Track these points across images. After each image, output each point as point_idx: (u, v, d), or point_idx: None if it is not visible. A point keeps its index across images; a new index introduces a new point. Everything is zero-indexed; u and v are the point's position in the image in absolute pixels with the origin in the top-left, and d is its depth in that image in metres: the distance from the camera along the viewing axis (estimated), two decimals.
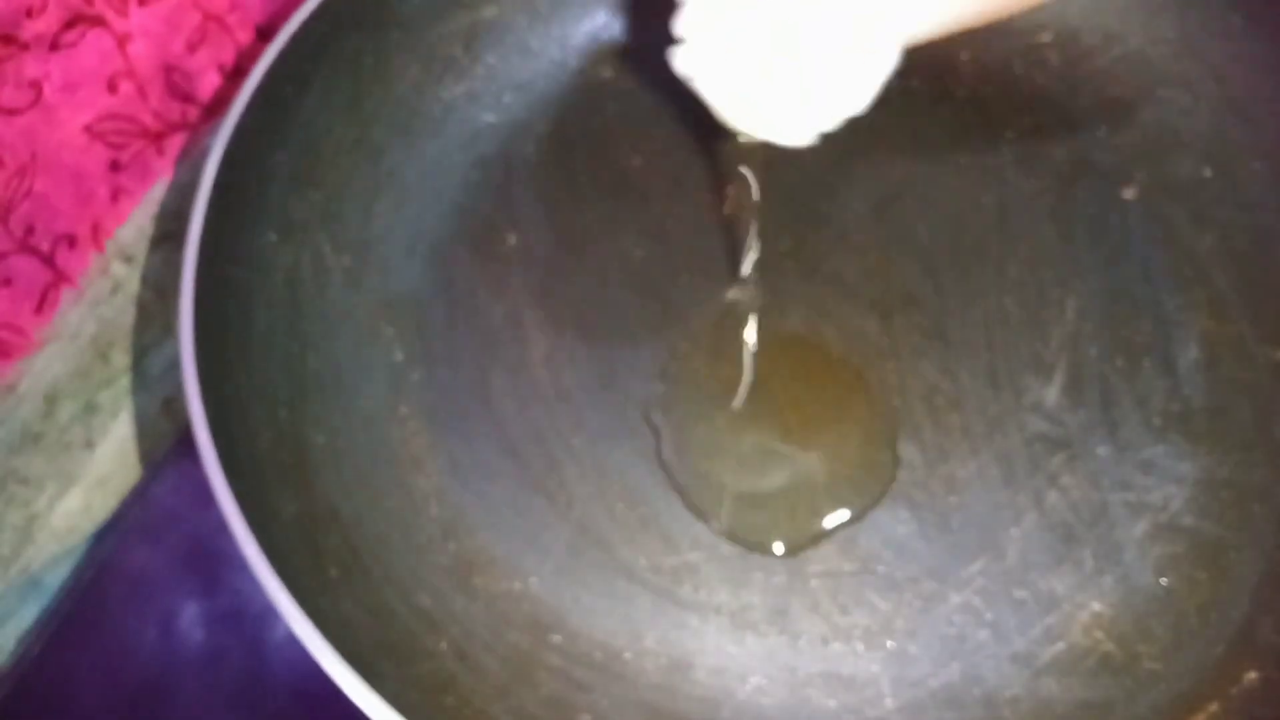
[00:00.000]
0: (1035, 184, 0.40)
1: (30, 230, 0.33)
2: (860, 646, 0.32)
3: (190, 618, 0.38)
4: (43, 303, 0.35)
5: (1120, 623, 0.32)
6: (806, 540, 0.34)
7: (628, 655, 0.32)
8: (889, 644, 0.32)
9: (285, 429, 0.33)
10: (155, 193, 0.38)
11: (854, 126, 0.41)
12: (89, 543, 0.39)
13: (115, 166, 0.36)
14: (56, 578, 0.39)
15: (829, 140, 0.41)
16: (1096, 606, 0.33)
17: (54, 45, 0.32)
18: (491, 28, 0.42)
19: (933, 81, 0.43)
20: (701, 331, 0.38)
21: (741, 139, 0.33)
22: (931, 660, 0.32)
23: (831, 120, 0.31)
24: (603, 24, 0.43)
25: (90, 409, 0.38)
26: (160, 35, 0.36)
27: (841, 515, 0.35)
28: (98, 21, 0.33)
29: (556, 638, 0.33)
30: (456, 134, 0.41)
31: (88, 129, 0.34)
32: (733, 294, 0.38)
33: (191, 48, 0.37)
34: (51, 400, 0.36)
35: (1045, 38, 0.43)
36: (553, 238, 0.40)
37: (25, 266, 0.34)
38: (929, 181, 0.40)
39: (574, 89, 0.43)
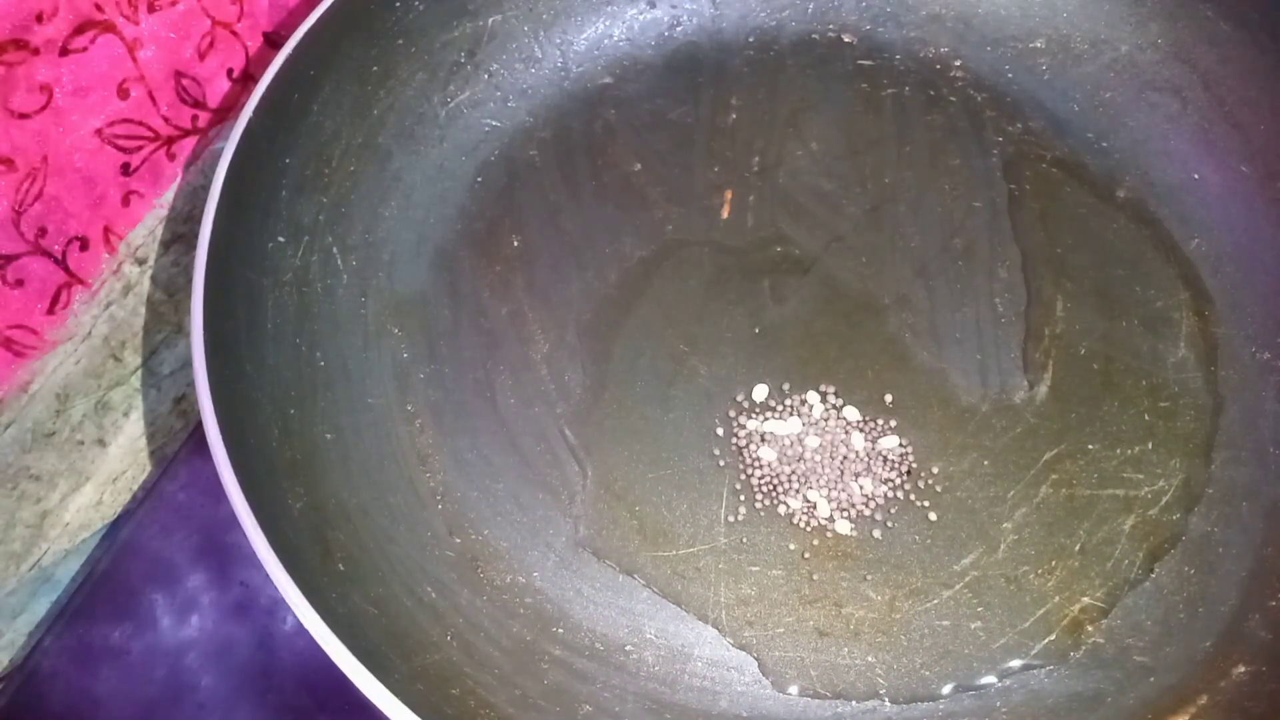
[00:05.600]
0: (1026, 187, 0.41)
1: (42, 232, 0.33)
2: (855, 638, 0.33)
3: (200, 611, 0.38)
4: (55, 303, 0.35)
5: (1110, 616, 0.33)
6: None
7: (628, 647, 0.33)
8: (883, 636, 0.33)
9: (294, 426, 0.34)
10: (166, 195, 0.38)
11: (849, 132, 0.42)
12: (100, 538, 0.40)
13: (127, 170, 0.36)
14: (68, 573, 0.39)
15: (825, 143, 0.42)
16: (1086, 600, 0.33)
17: (64, 50, 0.32)
18: (495, 35, 0.42)
19: (926, 88, 0.43)
20: (699, 331, 0.38)
21: None
22: (925, 651, 0.32)
23: None
24: (603, 31, 0.44)
25: (102, 407, 0.38)
26: (170, 41, 0.36)
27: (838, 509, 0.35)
28: (108, 27, 0.33)
29: (559, 630, 0.33)
30: (461, 139, 0.41)
31: (99, 133, 0.34)
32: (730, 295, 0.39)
33: (201, 54, 0.38)
34: (64, 399, 0.36)
35: (1037, 44, 0.43)
36: (555, 240, 0.40)
37: (38, 268, 0.34)
38: (922, 184, 0.41)
39: (575, 95, 0.43)
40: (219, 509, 0.39)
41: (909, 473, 0.35)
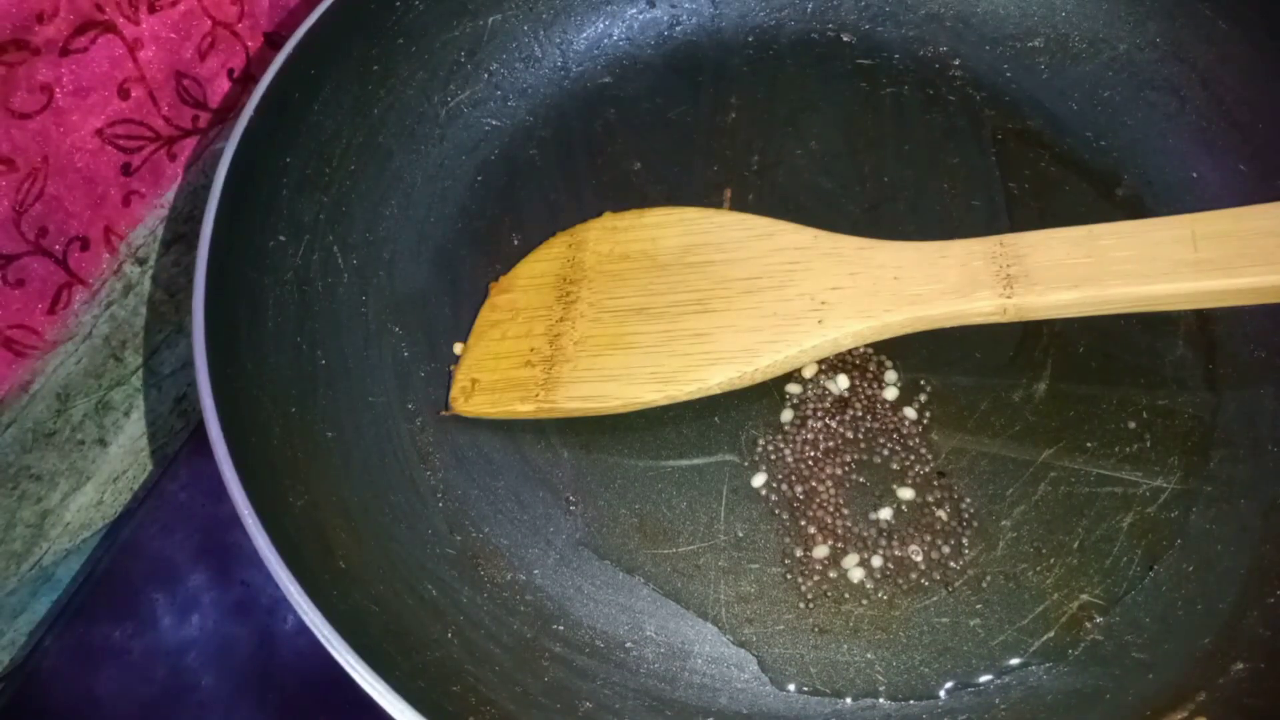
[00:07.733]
0: (1025, 185, 0.41)
1: (43, 232, 0.34)
2: (854, 635, 0.33)
3: (201, 610, 0.38)
4: (56, 303, 0.35)
5: (1108, 613, 0.33)
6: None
7: (628, 644, 0.33)
8: (882, 633, 0.33)
9: (295, 425, 0.34)
10: (167, 195, 0.38)
11: (848, 131, 0.42)
12: (101, 538, 0.40)
13: (127, 170, 0.36)
14: (69, 572, 0.39)
15: (824, 142, 0.42)
16: (1085, 597, 0.33)
17: (65, 50, 0.32)
18: (495, 35, 0.42)
19: (924, 87, 0.43)
20: None
21: None
22: (924, 649, 0.33)
23: None
24: (603, 31, 0.44)
25: (103, 407, 0.38)
26: (171, 41, 0.36)
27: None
28: (109, 28, 0.33)
29: (559, 627, 0.33)
30: (461, 138, 0.42)
31: (99, 133, 0.34)
32: None
33: (202, 54, 0.38)
34: (64, 398, 0.36)
35: (1036, 42, 0.43)
36: None
37: (38, 267, 0.34)
38: (921, 183, 0.41)
39: (575, 94, 0.43)
40: (220, 508, 0.39)
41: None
